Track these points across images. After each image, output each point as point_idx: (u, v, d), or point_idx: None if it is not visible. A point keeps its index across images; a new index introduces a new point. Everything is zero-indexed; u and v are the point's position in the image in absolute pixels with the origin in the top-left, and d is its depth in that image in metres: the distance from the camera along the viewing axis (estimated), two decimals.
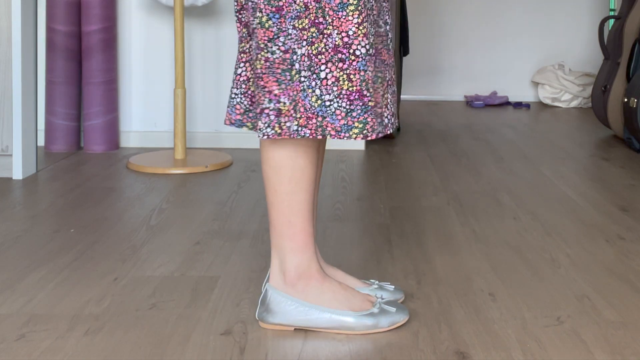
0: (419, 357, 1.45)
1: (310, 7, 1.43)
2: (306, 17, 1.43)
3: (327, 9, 1.42)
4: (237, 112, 1.58)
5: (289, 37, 1.44)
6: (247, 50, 1.55)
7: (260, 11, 1.45)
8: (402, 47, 4.01)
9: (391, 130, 1.53)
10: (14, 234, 2.17)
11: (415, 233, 2.23)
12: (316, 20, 1.43)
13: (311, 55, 1.43)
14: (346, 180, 2.90)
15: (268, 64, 1.45)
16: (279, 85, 1.45)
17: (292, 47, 1.44)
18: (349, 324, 1.53)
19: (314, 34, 1.43)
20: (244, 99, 1.57)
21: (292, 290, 1.54)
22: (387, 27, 1.56)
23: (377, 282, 1.72)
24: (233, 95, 1.58)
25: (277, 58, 1.45)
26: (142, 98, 3.50)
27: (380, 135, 1.47)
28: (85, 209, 2.44)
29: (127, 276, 1.85)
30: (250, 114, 1.57)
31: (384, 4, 1.57)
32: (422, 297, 1.74)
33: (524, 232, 2.26)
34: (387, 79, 1.53)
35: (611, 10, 5.21)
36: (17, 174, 2.82)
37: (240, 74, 1.56)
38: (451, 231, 2.26)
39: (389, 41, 1.57)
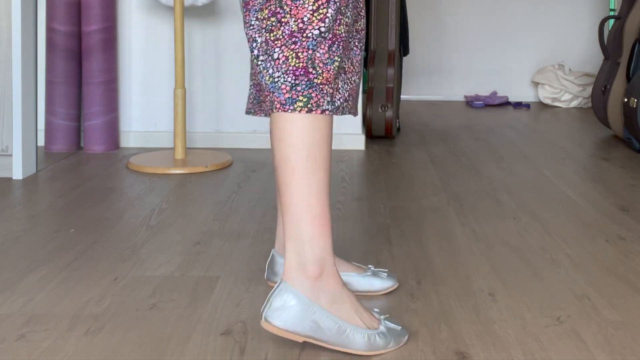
0: (419, 357, 1.45)
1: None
2: (267, 8, 1.51)
3: (285, 0, 1.49)
4: (249, 101, 1.73)
5: (251, 27, 1.55)
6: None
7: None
8: (402, 47, 4.01)
9: (341, 114, 1.54)
10: (14, 234, 2.17)
11: (415, 233, 2.23)
12: (275, 11, 1.50)
13: (269, 41, 1.51)
14: (346, 180, 2.90)
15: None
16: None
17: (253, 36, 1.54)
18: (359, 343, 1.45)
19: (273, 23, 1.50)
20: (253, 89, 1.73)
21: (313, 286, 1.44)
22: (362, 21, 1.66)
23: (372, 268, 1.77)
24: (249, 87, 1.74)
25: (249, 47, 1.58)
26: (142, 98, 3.50)
27: (327, 113, 1.48)
28: (85, 209, 2.44)
29: (127, 276, 1.85)
30: (255, 101, 1.72)
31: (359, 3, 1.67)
32: (422, 297, 1.74)
33: (524, 232, 2.26)
34: (343, 65, 1.56)
35: (611, 10, 5.22)
36: (17, 174, 2.82)
37: (253, 68, 1.70)
38: (451, 231, 2.26)
39: (361, 38, 1.66)
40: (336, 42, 1.51)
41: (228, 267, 1.92)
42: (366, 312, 1.49)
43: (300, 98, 1.47)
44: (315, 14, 1.48)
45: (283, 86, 1.47)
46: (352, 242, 2.16)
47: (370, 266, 1.79)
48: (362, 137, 3.51)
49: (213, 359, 1.43)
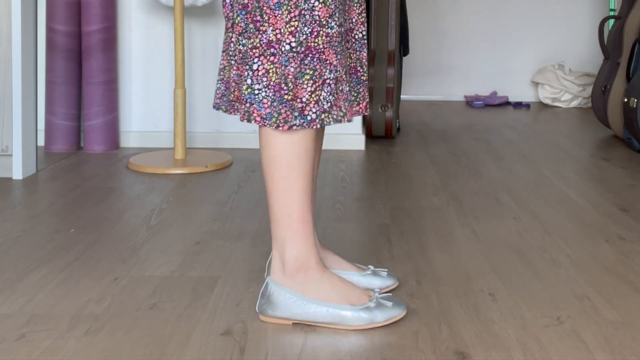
0: (419, 357, 1.45)
1: (250, 6, 1.54)
2: (248, 13, 1.55)
3: (264, 8, 1.52)
4: (217, 96, 1.69)
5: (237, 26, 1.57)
6: (225, 41, 1.67)
7: (236, 7, 1.58)
8: (402, 47, 4.01)
9: (319, 126, 1.55)
10: (14, 234, 2.17)
11: (415, 233, 2.23)
12: (254, 18, 1.53)
13: (247, 49, 1.54)
14: (346, 180, 2.90)
15: (241, 55, 1.58)
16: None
17: (247, 40, 1.56)
18: (346, 318, 1.55)
19: (251, 30, 1.53)
20: (221, 84, 1.69)
21: (291, 282, 1.57)
22: (352, 25, 1.66)
23: (372, 267, 1.79)
24: (217, 82, 1.72)
25: (246, 50, 1.57)
26: (142, 98, 3.50)
27: (295, 128, 1.52)
28: (85, 209, 2.44)
29: (127, 276, 1.85)
30: (224, 98, 1.67)
31: (351, 2, 1.68)
32: (422, 297, 1.74)
33: (524, 232, 2.26)
34: (326, 77, 1.55)
35: (611, 10, 5.21)
36: (17, 174, 2.82)
37: (221, 63, 1.70)
38: (451, 231, 2.26)
39: (349, 40, 1.67)
40: (309, 55, 1.53)
41: (228, 267, 1.92)
42: (352, 291, 1.58)
43: (274, 114, 1.52)
44: (287, 26, 1.51)
45: (265, 100, 1.52)
46: (352, 242, 2.16)
47: (370, 266, 1.80)
48: (362, 137, 3.51)
49: (213, 359, 1.43)
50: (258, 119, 1.52)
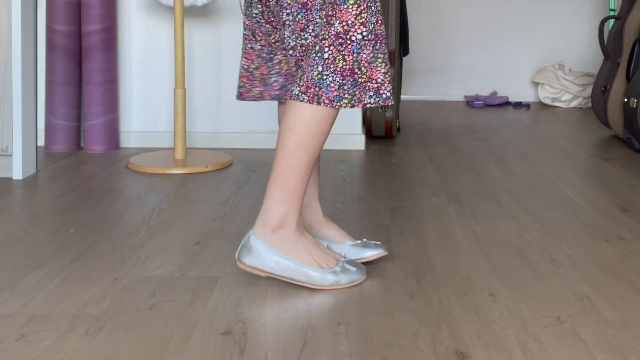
0: (419, 357, 1.45)
1: (326, 1, 1.73)
2: (323, 10, 1.73)
3: (333, 4, 1.72)
4: (275, 88, 1.91)
5: (317, 24, 1.75)
6: (279, 40, 1.86)
7: (290, 7, 1.77)
8: (402, 47, 4.01)
9: (391, 102, 1.76)
10: (14, 234, 2.17)
11: (415, 233, 2.23)
12: (327, 13, 1.73)
13: (319, 39, 1.73)
14: (346, 180, 2.90)
15: (304, 48, 1.77)
16: None
17: (320, 32, 1.74)
18: (314, 278, 1.74)
19: (324, 23, 1.73)
20: (279, 77, 1.90)
21: (271, 237, 1.74)
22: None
23: (365, 240, 1.97)
24: (271, 76, 1.91)
25: (310, 42, 1.76)
26: (142, 98, 3.50)
27: (371, 105, 1.74)
28: (85, 209, 2.44)
29: (127, 276, 1.85)
30: (285, 89, 1.90)
31: None
32: (422, 297, 1.74)
33: (524, 232, 2.26)
34: (387, 59, 1.79)
35: (611, 10, 5.22)
36: (17, 174, 2.82)
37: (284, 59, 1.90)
38: (451, 231, 2.26)
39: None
40: (378, 42, 1.74)
41: (228, 267, 1.92)
42: (323, 255, 1.77)
43: (346, 96, 1.71)
44: (358, 18, 1.71)
45: (332, 84, 1.71)
46: None
47: (364, 239, 1.98)
48: (362, 137, 3.51)
49: (213, 359, 1.43)
50: (327, 101, 1.70)
